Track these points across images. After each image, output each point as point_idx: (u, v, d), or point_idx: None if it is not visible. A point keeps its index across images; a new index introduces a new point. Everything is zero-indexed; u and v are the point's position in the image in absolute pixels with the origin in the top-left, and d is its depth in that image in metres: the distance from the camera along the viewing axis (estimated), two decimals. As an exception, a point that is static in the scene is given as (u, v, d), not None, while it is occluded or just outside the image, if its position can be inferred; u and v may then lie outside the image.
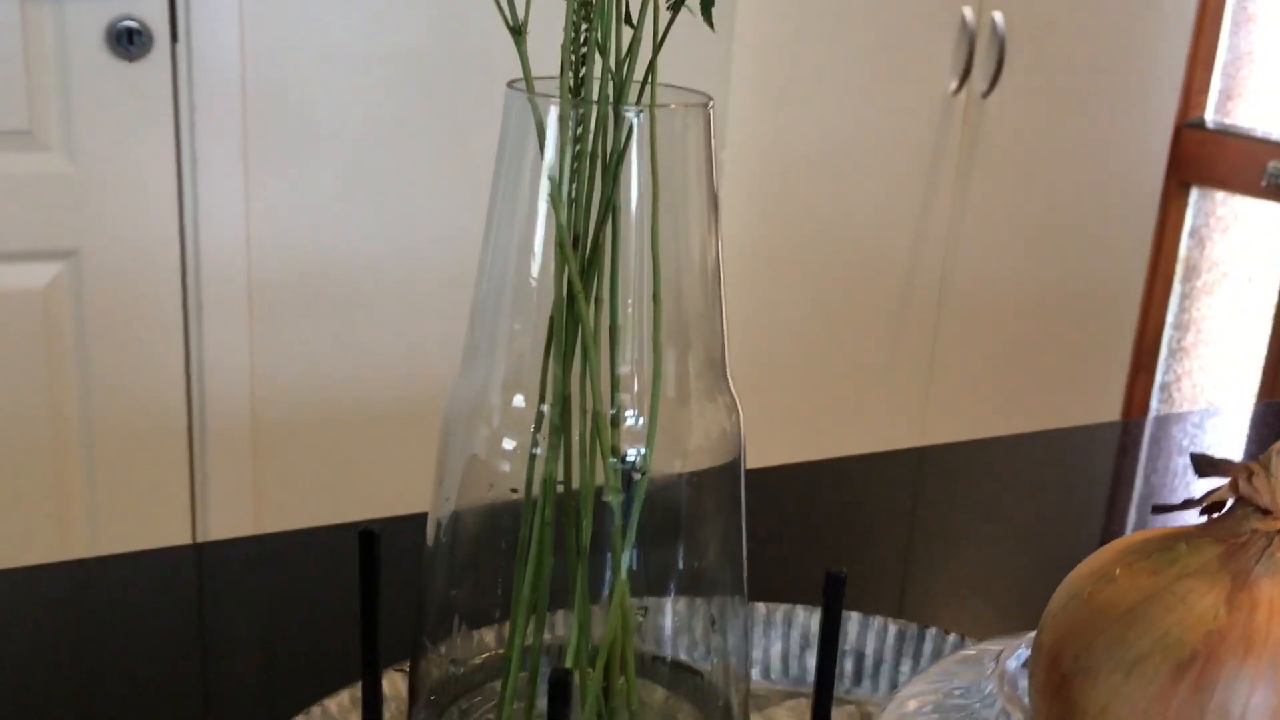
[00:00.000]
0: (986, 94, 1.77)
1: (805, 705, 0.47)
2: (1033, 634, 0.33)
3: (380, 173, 1.39)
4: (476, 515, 0.35)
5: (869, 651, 0.49)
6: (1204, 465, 0.30)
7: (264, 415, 1.42)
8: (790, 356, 1.77)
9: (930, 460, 0.78)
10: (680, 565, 0.36)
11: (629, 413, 0.33)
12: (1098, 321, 2.12)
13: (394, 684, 0.45)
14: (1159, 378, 2.32)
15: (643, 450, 0.33)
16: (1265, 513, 0.30)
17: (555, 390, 0.33)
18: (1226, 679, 0.28)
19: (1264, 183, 2.12)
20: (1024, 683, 0.33)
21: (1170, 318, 2.33)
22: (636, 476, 0.33)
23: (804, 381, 1.79)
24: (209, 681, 0.52)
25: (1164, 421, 1.05)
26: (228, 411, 1.41)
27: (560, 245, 0.32)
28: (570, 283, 0.32)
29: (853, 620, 0.50)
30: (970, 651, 0.36)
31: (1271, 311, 2.15)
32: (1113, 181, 2.08)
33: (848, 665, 0.50)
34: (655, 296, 0.33)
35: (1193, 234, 2.31)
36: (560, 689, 0.29)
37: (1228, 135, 2.21)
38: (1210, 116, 2.24)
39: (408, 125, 1.38)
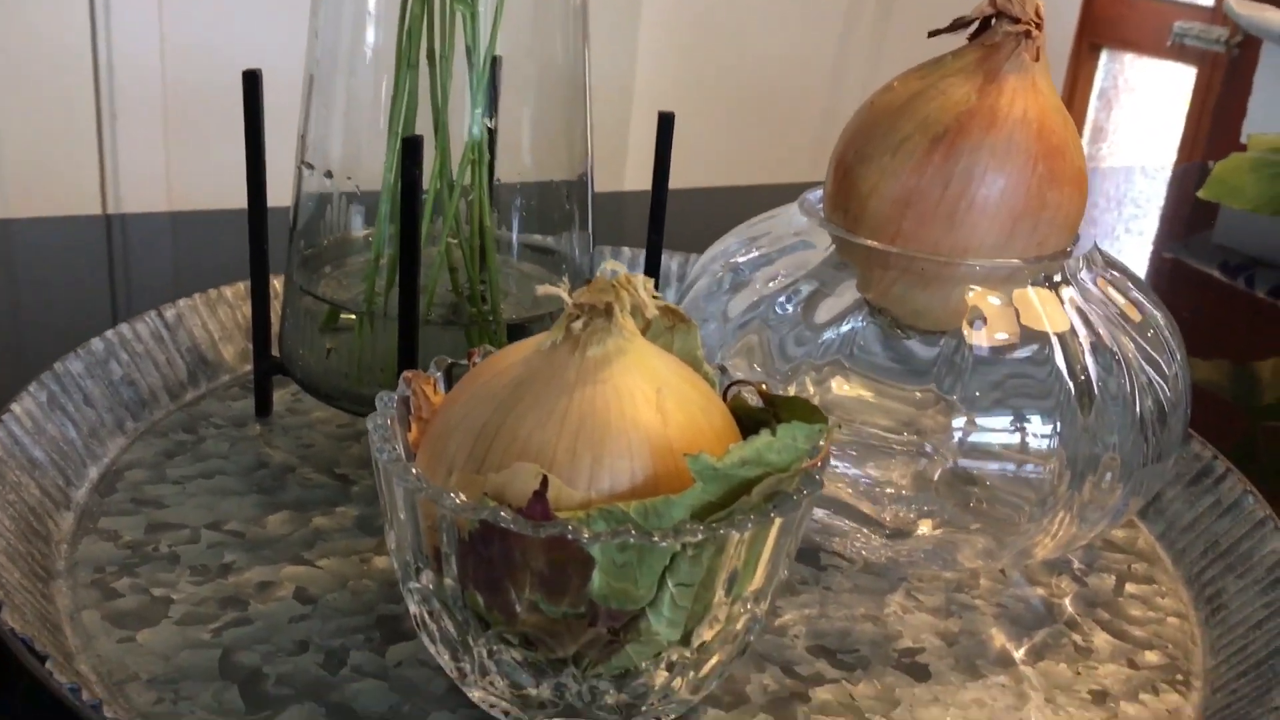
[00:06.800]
0: (902, -63, 1.81)
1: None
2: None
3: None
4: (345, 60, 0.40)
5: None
6: (966, -20, 0.35)
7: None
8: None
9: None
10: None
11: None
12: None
13: (274, 286, 0.49)
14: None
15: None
16: (1016, 20, 0.35)
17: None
18: (971, 147, 0.34)
19: (1169, 43, 2.19)
20: (821, 204, 0.38)
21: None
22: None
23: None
24: (116, 304, 0.56)
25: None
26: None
27: None
28: None
29: (676, 258, 0.56)
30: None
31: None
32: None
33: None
34: None
35: (1101, 96, 2.38)
36: (410, 148, 0.33)
37: (1137, -3, 2.27)
38: (1122, -21, 2.30)
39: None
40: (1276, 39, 1.32)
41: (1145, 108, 2.32)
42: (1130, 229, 0.85)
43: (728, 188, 0.80)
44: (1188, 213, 0.90)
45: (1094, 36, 2.31)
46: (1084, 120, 2.38)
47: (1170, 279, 0.75)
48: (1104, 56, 2.34)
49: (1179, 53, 2.19)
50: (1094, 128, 2.40)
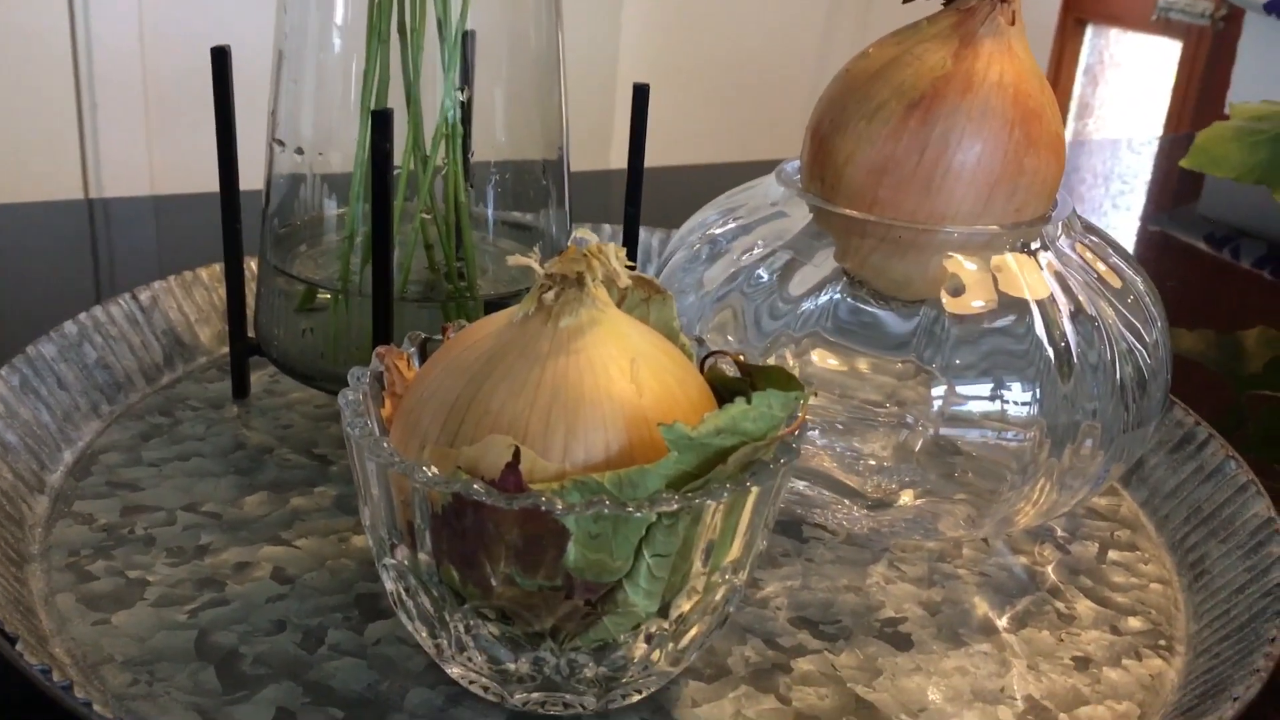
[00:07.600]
0: (885, -87, 1.80)
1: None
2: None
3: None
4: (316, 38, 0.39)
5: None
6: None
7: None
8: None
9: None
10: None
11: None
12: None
13: (250, 268, 0.49)
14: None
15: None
16: (991, -15, 0.34)
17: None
18: (948, 112, 0.33)
19: (1154, 17, 2.18)
20: (798, 175, 0.38)
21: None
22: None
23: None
24: (100, 281, 0.55)
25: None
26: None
27: None
28: None
29: (657, 235, 0.55)
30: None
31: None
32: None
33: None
34: None
35: (1086, 72, 2.37)
36: (380, 121, 0.33)
37: (1122, -30, 2.26)
38: (1107, -47, 2.29)
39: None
40: (1258, 8, 1.31)
41: (1131, 82, 2.32)
42: (1117, 204, 0.85)
43: (713, 165, 0.80)
44: (1173, 186, 0.90)
45: (1079, 12, 2.31)
46: (1070, 96, 2.38)
47: (1157, 251, 0.75)
48: (1089, 32, 2.34)
49: (1164, 27, 2.18)
50: (1080, 103, 2.39)
